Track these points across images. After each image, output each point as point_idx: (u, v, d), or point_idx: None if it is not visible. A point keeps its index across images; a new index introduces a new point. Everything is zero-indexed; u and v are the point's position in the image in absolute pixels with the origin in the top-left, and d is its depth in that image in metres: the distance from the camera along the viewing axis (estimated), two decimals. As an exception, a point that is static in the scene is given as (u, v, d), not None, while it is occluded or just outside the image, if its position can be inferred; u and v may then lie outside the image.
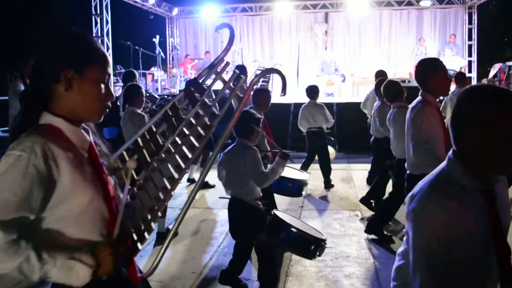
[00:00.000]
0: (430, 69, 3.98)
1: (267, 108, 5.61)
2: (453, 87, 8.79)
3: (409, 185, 3.93)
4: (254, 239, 4.03)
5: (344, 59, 17.06)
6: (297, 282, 4.59)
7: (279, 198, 7.51)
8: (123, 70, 14.90)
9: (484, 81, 15.96)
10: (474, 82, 16.58)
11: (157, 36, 15.23)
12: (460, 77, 8.85)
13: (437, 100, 4.19)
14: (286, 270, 4.85)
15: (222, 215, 6.40)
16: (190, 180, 8.54)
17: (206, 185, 8.17)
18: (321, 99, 12.66)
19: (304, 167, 7.91)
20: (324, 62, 15.15)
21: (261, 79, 9.22)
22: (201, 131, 1.98)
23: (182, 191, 8.09)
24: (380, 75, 7.67)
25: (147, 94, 8.67)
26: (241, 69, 8.24)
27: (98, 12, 13.67)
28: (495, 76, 15.28)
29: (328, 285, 4.50)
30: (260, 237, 3.98)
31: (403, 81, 9.96)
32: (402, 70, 15.56)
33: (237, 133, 4.15)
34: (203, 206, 7.34)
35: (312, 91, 8.17)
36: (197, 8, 17.66)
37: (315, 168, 8.45)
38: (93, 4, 13.60)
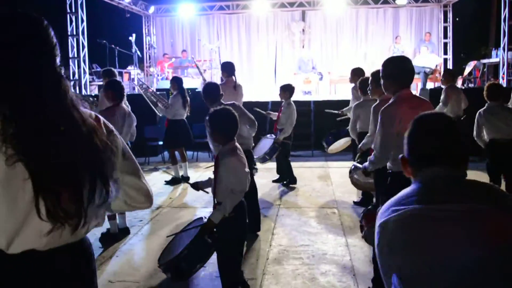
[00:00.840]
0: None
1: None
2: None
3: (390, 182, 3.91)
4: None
5: (321, 57, 17.12)
6: (274, 280, 4.59)
7: (259, 195, 7.53)
8: (99, 69, 14.77)
9: (459, 78, 16.16)
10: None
11: (134, 35, 15.09)
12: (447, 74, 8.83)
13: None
14: (263, 269, 4.84)
15: (199, 214, 6.36)
16: (185, 178, 8.52)
17: (184, 179, 8.27)
18: (299, 97, 12.77)
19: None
20: (301, 61, 15.18)
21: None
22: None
23: (160, 190, 8.04)
24: (356, 73, 7.66)
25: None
26: (229, 66, 8.22)
27: (73, 11, 13.44)
28: (470, 73, 15.50)
29: (304, 283, 4.50)
30: None
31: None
32: (379, 68, 15.62)
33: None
34: (181, 204, 7.31)
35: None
36: (173, 6, 17.53)
37: (293, 166, 8.47)
38: (68, 2, 13.39)
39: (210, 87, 5.79)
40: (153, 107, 8.67)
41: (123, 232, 5.89)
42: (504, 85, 13.29)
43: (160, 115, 9.08)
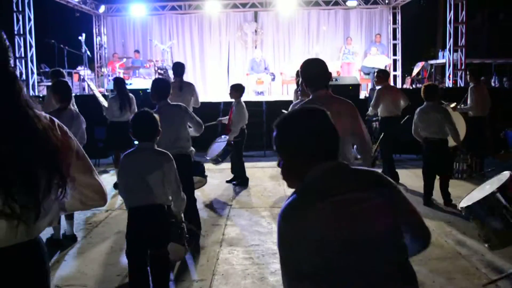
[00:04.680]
0: None
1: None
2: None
3: None
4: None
5: (274, 58, 17.24)
6: (223, 280, 4.59)
7: (210, 195, 7.53)
8: (47, 69, 14.43)
9: (408, 79, 16.56)
10: (399, 80, 17.16)
11: (83, 35, 14.79)
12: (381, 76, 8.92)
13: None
14: (212, 269, 4.84)
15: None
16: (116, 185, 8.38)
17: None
18: (251, 97, 12.82)
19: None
20: (253, 61, 15.23)
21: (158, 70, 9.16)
22: None
23: (110, 193, 7.90)
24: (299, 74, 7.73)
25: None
26: (176, 66, 8.16)
27: (20, 9, 13.11)
28: (418, 74, 15.89)
29: (254, 282, 4.52)
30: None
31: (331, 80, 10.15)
32: (330, 69, 15.69)
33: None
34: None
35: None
36: (125, 6, 17.25)
37: (246, 166, 8.50)
38: (15, 1, 13.03)
39: (160, 83, 5.71)
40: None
41: (71, 239, 5.74)
42: (450, 86, 13.74)
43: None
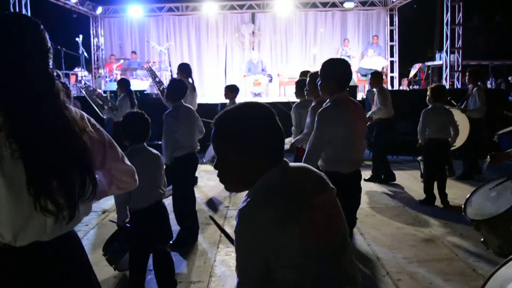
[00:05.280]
0: None
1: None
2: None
3: None
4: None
5: (271, 59, 17.28)
6: (220, 282, 4.58)
7: (207, 196, 7.51)
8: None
9: (405, 80, 16.59)
10: (396, 81, 17.19)
11: (81, 36, 14.79)
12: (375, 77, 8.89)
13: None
14: (209, 271, 4.82)
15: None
16: None
17: None
18: (249, 99, 12.80)
19: None
20: (251, 63, 15.24)
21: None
22: None
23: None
24: (305, 76, 7.68)
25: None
26: (187, 67, 8.18)
27: (17, 11, 13.09)
28: (415, 75, 15.92)
29: (251, 284, 4.50)
30: None
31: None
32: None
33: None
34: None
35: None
36: (122, 7, 17.28)
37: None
38: (12, 2, 13.00)
39: (178, 83, 5.65)
40: (97, 110, 8.51)
41: None
42: (447, 87, 13.75)
43: (105, 117, 8.88)
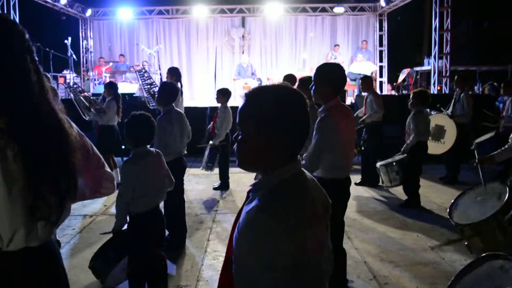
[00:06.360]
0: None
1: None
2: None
3: None
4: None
5: (261, 63, 17.33)
6: (208, 286, 4.57)
7: (195, 200, 7.51)
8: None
9: (389, 86, 16.68)
10: (385, 86, 17.27)
11: (69, 38, 14.73)
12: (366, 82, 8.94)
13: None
14: (197, 275, 4.82)
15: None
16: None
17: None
18: (239, 102, 12.78)
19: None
20: (240, 66, 15.25)
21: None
22: None
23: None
24: (289, 79, 7.68)
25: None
26: (177, 71, 8.17)
27: (5, 12, 13.00)
28: (404, 80, 16.00)
29: (238, 288, 4.50)
30: None
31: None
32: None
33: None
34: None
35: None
36: (112, 9, 17.24)
37: (233, 171, 8.50)
38: (-1, 3, 12.95)
39: (170, 87, 5.57)
40: (81, 112, 8.46)
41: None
42: (435, 92, 13.85)
43: (87, 118, 8.80)
